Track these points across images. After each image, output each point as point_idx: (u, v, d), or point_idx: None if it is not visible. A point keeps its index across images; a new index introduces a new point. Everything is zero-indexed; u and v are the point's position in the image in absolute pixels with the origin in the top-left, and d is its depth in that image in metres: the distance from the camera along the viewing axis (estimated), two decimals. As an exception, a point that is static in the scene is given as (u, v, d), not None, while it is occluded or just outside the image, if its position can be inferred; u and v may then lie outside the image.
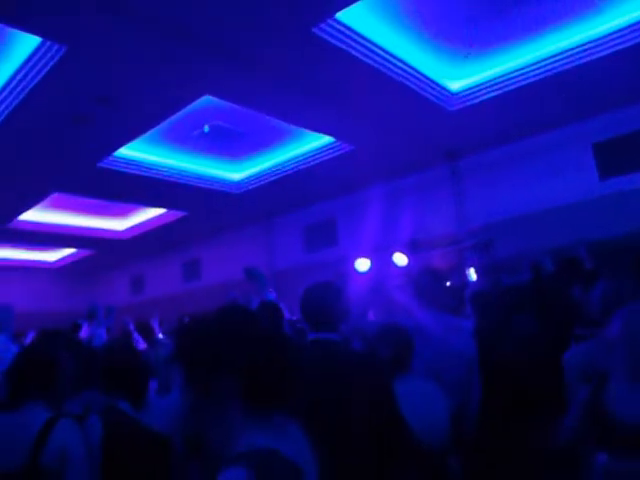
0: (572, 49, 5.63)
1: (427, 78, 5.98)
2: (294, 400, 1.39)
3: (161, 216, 10.21)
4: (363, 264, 6.34)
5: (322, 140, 7.44)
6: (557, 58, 5.73)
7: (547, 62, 5.78)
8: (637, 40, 5.28)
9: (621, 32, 5.33)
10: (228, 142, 7.34)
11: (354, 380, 1.92)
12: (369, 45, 5.20)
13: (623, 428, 2.03)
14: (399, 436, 1.92)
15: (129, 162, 7.35)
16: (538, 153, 7.25)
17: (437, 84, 6.13)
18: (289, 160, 7.99)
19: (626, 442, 2.02)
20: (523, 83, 5.95)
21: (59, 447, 2.10)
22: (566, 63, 5.68)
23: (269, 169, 8.30)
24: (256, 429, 1.33)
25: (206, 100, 5.87)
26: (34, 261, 13.14)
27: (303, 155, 7.82)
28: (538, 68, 5.83)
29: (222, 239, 11.29)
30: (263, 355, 1.38)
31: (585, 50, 5.57)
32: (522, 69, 5.93)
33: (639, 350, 2.09)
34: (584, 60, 5.60)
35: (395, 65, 5.54)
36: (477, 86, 6.25)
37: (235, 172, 8.53)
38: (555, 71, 5.76)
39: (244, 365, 1.35)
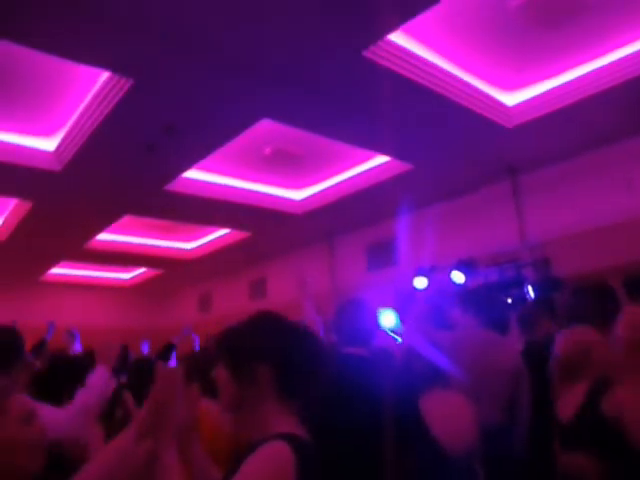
0: (633, 57, 5.49)
1: (483, 94, 5.99)
2: (319, 396, 1.60)
3: (226, 236, 10.54)
4: (421, 282, 6.37)
5: (381, 160, 7.55)
6: (617, 67, 5.61)
7: (607, 72, 5.67)
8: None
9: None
10: (289, 164, 7.56)
11: (374, 392, 2.01)
12: (421, 65, 5.28)
13: None
14: (422, 444, 1.99)
15: (194, 184, 7.67)
16: (600, 168, 7.06)
17: (493, 100, 6.14)
18: (348, 179, 8.14)
19: None
20: (583, 95, 5.86)
21: None
22: (629, 72, 5.55)
23: (329, 189, 8.46)
24: (285, 418, 1.53)
25: (266, 123, 6.10)
26: (109, 279, 13.77)
27: (362, 174, 7.95)
28: (598, 79, 5.74)
29: (286, 258, 11.48)
30: (293, 347, 1.61)
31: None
32: (581, 80, 5.85)
33: None
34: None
35: (449, 83, 5.60)
36: (535, 100, 6.20)
37: (296, 193, 8.74)
38: (616, 82, 5.64)
39: (277, 355, 1.57)
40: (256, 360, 1.56)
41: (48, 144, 6.49)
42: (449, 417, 2.29)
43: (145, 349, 7.20)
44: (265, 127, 6.21)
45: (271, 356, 1.57)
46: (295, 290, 3.30)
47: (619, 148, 6.90)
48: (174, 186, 7.52)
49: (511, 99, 6.27)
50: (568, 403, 2.49)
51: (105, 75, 5.11)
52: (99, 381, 2.57)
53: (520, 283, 6.10)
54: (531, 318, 3.91)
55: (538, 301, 4.93)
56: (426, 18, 4.62)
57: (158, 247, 11.11)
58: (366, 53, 4.78)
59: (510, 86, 6.08)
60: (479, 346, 2.93)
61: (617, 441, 2.16)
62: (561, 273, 6.10)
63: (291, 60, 4.86)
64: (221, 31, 4.34)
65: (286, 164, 7.56)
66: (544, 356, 3.41)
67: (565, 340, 2.67)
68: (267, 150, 6.98)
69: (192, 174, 7.48)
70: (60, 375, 3.20)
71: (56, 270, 12.03)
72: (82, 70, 5.03)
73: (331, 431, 1.60)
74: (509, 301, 6.18)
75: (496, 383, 2.84)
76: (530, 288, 5.78)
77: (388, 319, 5.69)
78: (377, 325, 2.37)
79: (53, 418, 2.21)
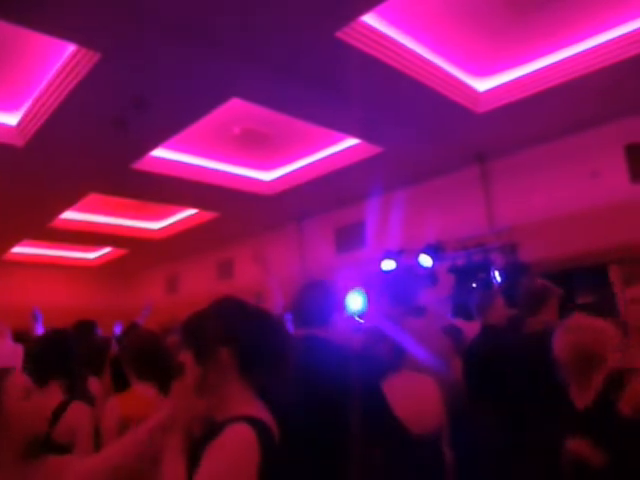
0: (605, 46, 5.55)
1: (453, 79, 6.00)
2: (282, 378, 1.63)
3: (194, 216, 10.43)
4: (389, 265, 6.40)
5: (351, 142, 7.52)
6: (588, 57, 5.66)
7: (577, 62, 5.73)
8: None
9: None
10: (259, 144, 7.49)
11: (331, 374, 2.02)
12: (394, 47, 5.26)
13: None
14: (385, 425, 2.01)
15: (162, 163, 7.55)
16: (569, 155, 7.18)
17: (464, 84, 6.15)
18: (318, 161, 8.10)
19: None
20: (551, 83, 5.92)
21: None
22: (598, 62, 5.60)
23: (299, 170, 8.42)
24: (248, 400, 1.58)
25: (236, 103, 6.02)
26: (75, 259, 13.53)
27: (332, 156, 7.92)
28: (567, 68, 5.79)
29: (255, 240, 11.42)
30: (255, 329, 1.67)
31: (619, 48, 5.50)
32: (551, 68, 5.90)
33: None
34: (617, 59, 5.53)
35: (420, 67, 5.59)
36: (505, 86, 6.23)
37: (266, 174, 8.68)
38: (585, 71, 5.70)
39: (238, 338, 1.63)
40: (218, 343, 1.61)
41: (10, 118, 6.30)
42: (414, 399, 2.30)
43: (117, 330, 7.10)
44: (235, 106, 6.12)
45: (233, 339, 1.62)
46: (257, 269, 3.28)
47: (587, 136, 7.01)
48: (141, 164, 7.38)
49: (482, 85, 6.29)
50: (584, 393, 2.51)
51: (71, 48, 4.97)
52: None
53: (487, 268, 6.17)
54: (485, 303, 3.95)
55: (492, 286, 5.00)
56: (401, 1, 4.59)
57: (124, 226, 10.93)
58: (338, 34, 4.73)
59: (481, 72, 6.09)
60: (443, 332, 2.96)
61: (628, 437, 2.21)
62: (527, 259, 6.19)
63: (262, 39, 4.77)
64: (191, 7, 4.25)
65: (256, 145, 7.49)
66: (499, 343, 3.48)
67: (564, 343, 2.65)
68: (236, 130, 6.91)
69: (160, 153, 7.36)
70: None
71: (19, 249, 11.78)
72: (48, 42, 4.86)
73: (294, 413, 1.62)
74: (474, 286, 6.26)
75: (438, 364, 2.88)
76: (497, 273, 5.85)
77: (356, 301, 5.72)
78: (337, 307, 2.36)
79: None
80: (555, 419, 2.58)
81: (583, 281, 4.01)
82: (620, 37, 5.45)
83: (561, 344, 2.59)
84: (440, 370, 2.71)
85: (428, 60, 5.63)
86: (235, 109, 6.23)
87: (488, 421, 2.98)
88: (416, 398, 2.32)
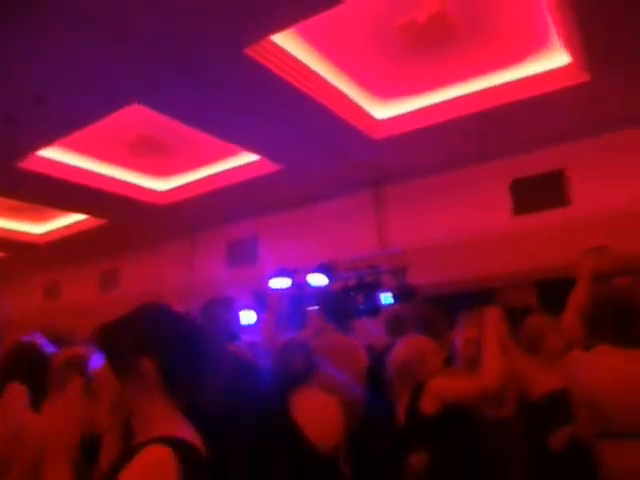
0: (493, 90, 5.99)
1: (354, 105, 6.21)
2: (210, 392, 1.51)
3: (82, 222, 9.98)
4: (280, 283, 6.44)
5: (250, 158, 7.53)
6: (478, 96, 6.08)
7: (469, 99, 6.12)
8: (548, 89, 5.71)
9: (534, 80, 5.75)
10: (155, 153, 7.33)
11: (240, 389, 2.02)
12: (300, 69, 5.37)
13: None
14: (289, 440, 2.03)
15: (51, 164, 7.19)
16: (459, 186, 7.61)
17: (364, 111, 6.37)
18: (215, 175, 8.04)
19: None
20: (442, 118, 6.28)
21: None
22: (489, 102, 6.04)
23: (195, 182, 8.31)
24: (170, 416, 1.43)
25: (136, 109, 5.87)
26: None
27: (229, 171, 7.89)
28: (454, 105, 6.17)
29: (144, 250, 11.13)
30: (178, 336, 1.50)
31: (505, 92, 5.94)
32: (442, 104, 6.26)
33: None
34: (504, 101, 5.97)
35: (324, 90, 5.73)
36: (402, 116, 6.52)
37: (160, 183, 8.49)
38: (477, 109, 6.11)
39: (160, 346, 1.46)
40: (139, 352, 1.44)
41: None
42: (318, 416, 2.34)
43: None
44: (133, 112, 5.97)
45: (154, 347, 1.45)
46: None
47: (476, 169, 7.48)
48: (28, 164, 6.99)
49: (380, 112, 6.53)
50: (400, 407, 2.67)
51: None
52: None
53: (375, 289, 6.36)
54: (400, 322, 4.06)
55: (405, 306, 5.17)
56: (313, 23, 4.70)
57: (3, 228, 10.25)
58: (247, 50, 4.77)
59: (382, 100, 6.33)
60: (343, 349, 3.04)
61: (437, 435, 2.36)
62: (416, 282, 6.45)
63: (169, 46, 4.71)
64: (96, 7, 4.12)
65: (153, 153, 7.33)
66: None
67: (402, 346, 2.85)
68: (134, 136, 6.73)
69: (50, 153, 7.00)
70: None
71: None
72: None
73: (217, 428, 1.54)
74: (362, 306, 6.42)
75: (355, 382, 2.95)
76: (387, 295, 6.05)
77: (246, 318, 5.71)
78: (242, 322, 2.37)
79: None
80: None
81: (465, 305, 4.23)
82: (506, 81, 5.90)
83: (389, 361, 2.81)
84: (349, 387, 2.78)
85: (331, 84, 5.79)
86: (134, 115, 6.07)
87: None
88: (320, 416, 2.36)
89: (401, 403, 2.69)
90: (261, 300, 7.35)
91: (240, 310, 2.45)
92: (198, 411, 1.48)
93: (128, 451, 1.36)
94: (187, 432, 1.41)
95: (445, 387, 2.57)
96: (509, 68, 5.76)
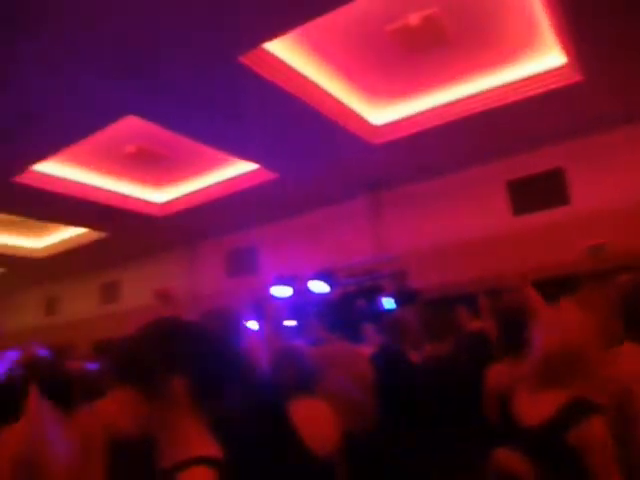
0: (488, 92, 6.01)
1: (351, 111, 6.21)
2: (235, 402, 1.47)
3: (81, 236, 9.98)
4: (281, 291, 6.43)
5: (247, 167, 7.53)
6: (473, 99, 6.09)
7: (464, 103, 6.13)
8: (543, 89, 5.73)
9: (529, 81, 5.76)
10: (153, 164, 7.32)
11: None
12: (295, 76, 5.37)
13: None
14: (290, 447, 2.02)
15: (48, 178, 7.18)
16: (456, 189, 7.62)
17: (361, 117, 6.38)
18: (213, 185, 8.04)
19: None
20: (441, 121, 6.28)
21: None
22: (484, 104, 6.06)
23: (193, 193, 8.31)
24: (201, 435, 1.38)
25: (132, 121, 5.87)
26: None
27: (228, 181, 7.89)
28: (451, 108, 6.18)
29: (144, 262, 11.12)
30: (209, 354, 1.45)
31: (502, 93, 5.95)
32: (439, 108, 6.26)
33: None
34: (499, 102, 5.98)
35: (320, 97, 5.73)
36: (399, 121, 6.52)
37: (159, 195, 8.49)
38: (472, 111, 6.11)
39: (192, 365, 1.40)
40: (169, 372, 1.36)
41: None
42: (315, 423, 2.33)
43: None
44: (130, 124, 5.97)
45: (185, 366, 1.39)
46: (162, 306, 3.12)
47: (473, 172, 7.50)
48: (24, 178, 6.98)
49: (378, 117, 6.53)
50: (535, 409, 2.30)
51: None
52: None
53: (375, 294, 6.34)
54: (398, 327, 4.02)
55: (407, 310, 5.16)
56: (306, 30, 4.70)
57: (2, 244, 10.24)
58: (242, 59, 4.77)
59: (377, 104, 6.33)
60: (340, 358, 3.02)
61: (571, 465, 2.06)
62: (417, 285, 6.44)
63: (164, 59, 4.72)
64: (90, 18, 4.12)
65: (150, 164, 7.32)
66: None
67: (550, 337, 2.29)
68: (131, 148, 6.72)
69: (46, 167, 6.99)
70: None
71: None
72: None
73: (240, 440, 1.51)
74: (363, 312, 6.40)
75: (355, 391, 2.93)
76: (388, 300, 6.03)
77: (246, 327, 5.68)
78: (242, 331, 2.36)
79: None
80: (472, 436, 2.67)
81: (469, 307, 4.24)
82: (500, 84, 5.91)
83: (547, 340, 2.34)
84: (350, 394, 2.75)
85: (327, 91, 5.79)
86: (130, 127, 6.07)
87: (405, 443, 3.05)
88: (317, 423, 2.35)
89: (536, 405, 2.41)
90: (261, 309, 7.35)
91: (240, 320, 2.43)
92: (224, 425, 1.43)
93: (163, 472, 1.32)
94: (219, 450, 1.37)
95: None
96: (503, 69, 5.77)
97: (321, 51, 5.27)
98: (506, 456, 2.32)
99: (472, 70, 5.79)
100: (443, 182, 7.73)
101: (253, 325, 5.86)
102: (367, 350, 3.75)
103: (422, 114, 6.37)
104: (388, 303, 6.08)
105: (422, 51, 5.30)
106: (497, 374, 2.94)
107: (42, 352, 5.43)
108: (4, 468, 2.17)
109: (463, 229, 7.40)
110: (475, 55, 5.53)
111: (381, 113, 6.48)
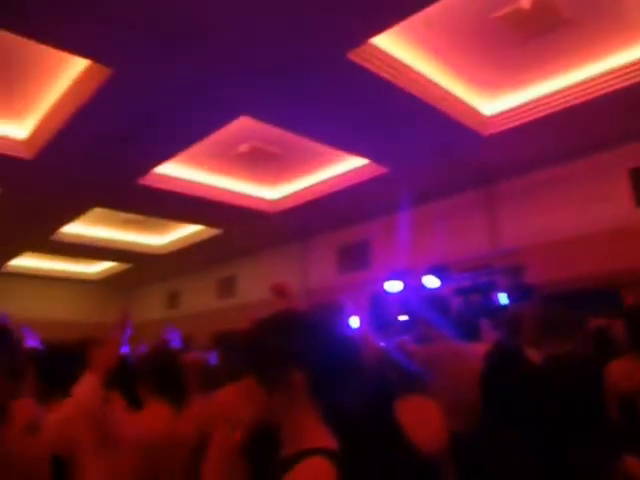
0: (608, 74, 5.61)
1: (461, 102, 6.04)
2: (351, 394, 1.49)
3: (198, 232, 10.44)
4: (394, 286, 6.37)
5: (357, 162, 7.55)
6: (592, 83, 5.72)
7: (582, 87, 5.78)
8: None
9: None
10: (265, 163, 7.51)
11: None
12: (404, 70, 5.30)
13: None
14: (399, 445, 2.00)
15: (167, 179, 7.57)
16: (574, 179, 7.19)
17: (472, 108, 6.19)
18: (324, 181, 8.12)
19: None
20: (556, 108, 5.95)
21: None
22: (600, 89, 5.65)
23: (305, 189, 8.44)
24: (318, 427, 1.42)
25: (244, 121, 6.04)
26: (76, 273, 13.51)
27: (338, 176, 7.94)
28: (570, 94, 5.83)
29: (258, 257, 11.44)
30: (330, 350, 1.48)
31: (622, 75, 5.55)
32: (555, 94, 5.94)
33: None
34: (619, 86, 5.58)
35: (429, 89, 5.63)
36: (512, 110, 6.27)
37: (271, 192, 8.70)
38: (588, 97, 5.75)
39: (313, 360, 1.44)
40: (290, 365, 1.42)
41: (19, 131, 6.33)
42: (422, 421, 2.30)
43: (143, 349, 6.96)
44: (243, 124, 6.15)
45: (306, 360, 1.43)
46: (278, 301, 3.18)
47: (592, 160, 7.03)
48: (147, 180, 7.41)
49: (489, 108, 6.32)
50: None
51: (84, 63, 5.00)
52: (85, 394, 2.17)
53: (491, 290, 6.16)
54: (516, 323, 3.89)
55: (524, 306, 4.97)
56: (412, 22, 4.62)
57: (128, 241, 10.93)
58: (350, 55, 4.77)
59: (489, 94, 6.12)
60: (448, 357, 2.96)
61: None
62: (533, 281, 6.17)
63: (275, 59, 4.82)
64: (207, 25, 4.28)
65: (262, 162, 7.51)
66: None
67: None
68: (244, 147, 6.92)
69: (166, 169, 7.38)
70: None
71: (19, 261, 11.77)
72: (60, 56, 4.88)
73: (355, 438, 1.53)
74: (478, 308, 6.23)
75: (462, 390, 2.86)
76: (503, 295, 5.84)
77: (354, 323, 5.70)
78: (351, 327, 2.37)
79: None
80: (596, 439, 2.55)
81: (593, 303, 4.01)
82: (623, 65, 5.50)
83: None
84: (455, 394, 2.70)
85: (436, 83, 5.67)
86: (243, 127, 6.25)
87: (516, 443, 2.95)
88: (424, 421, 2.32)
89: None
90: (371, 304, 7.35)
91: (350, 316, 2.43)
92: (338, 417, 1.45)
93: (283, 462, 1.36)
94: (335, 442, 1.40)
95: None
96: (625, 49, 5.37)
97: (426, 43, 5.15)
98: (636, 464, 2.24)
99: (591, 52, 5.44)
100: (560, 172, 7.31)
101: (358, 320, 5.89)
102: (481, 348, 3.64)
103: (536, 101, 6.07)
104: (503, 298, 5.88)
105: (535, 36, 5.03)
106: (620, 372, 2.79)
107: (174, 342, 5.72)
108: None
109: (581, 221, 6.97)
110: (595, 35, 5.18)
111: (493, 103, 6.26)
